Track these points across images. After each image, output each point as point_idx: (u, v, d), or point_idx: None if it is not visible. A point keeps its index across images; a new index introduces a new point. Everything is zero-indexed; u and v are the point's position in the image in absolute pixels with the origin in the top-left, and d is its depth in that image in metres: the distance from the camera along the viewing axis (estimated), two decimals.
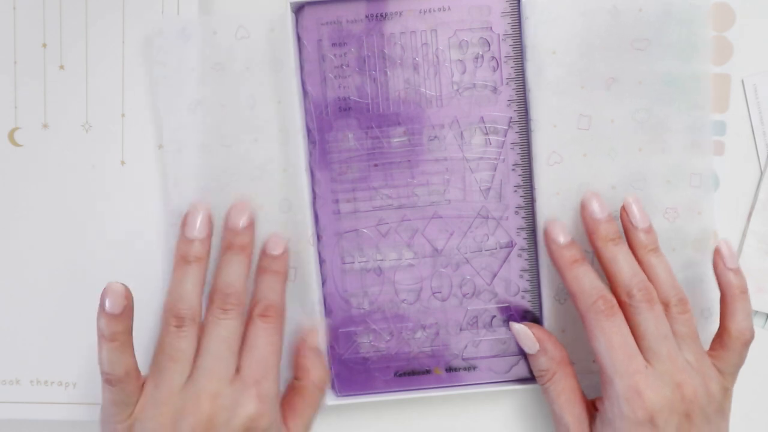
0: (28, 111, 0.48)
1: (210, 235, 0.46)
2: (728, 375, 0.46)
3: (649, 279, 0.46)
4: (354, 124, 0.48)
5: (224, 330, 0.44)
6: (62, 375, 0.48)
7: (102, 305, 0.42)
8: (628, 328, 0.45)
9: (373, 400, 0.49)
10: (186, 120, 0.48)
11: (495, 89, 0.48)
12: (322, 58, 0.48)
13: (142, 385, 0.44)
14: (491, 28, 0.47)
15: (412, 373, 0.49)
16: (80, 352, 0.48)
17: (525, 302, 0.49)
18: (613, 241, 0.46)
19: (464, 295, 0.49)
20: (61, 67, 0.48)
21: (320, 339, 0.48)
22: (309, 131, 0.48)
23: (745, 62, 0.50)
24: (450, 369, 0.49)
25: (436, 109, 0.48)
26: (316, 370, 0.47)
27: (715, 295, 0.47)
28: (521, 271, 0.49)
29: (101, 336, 0.43)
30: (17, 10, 0.48)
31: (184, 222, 0.46)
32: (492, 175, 0.48)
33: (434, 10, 0.47)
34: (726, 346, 0.47)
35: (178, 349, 0.43)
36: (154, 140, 0.48)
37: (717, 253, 0.47)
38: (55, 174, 0.48)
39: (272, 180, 0.48)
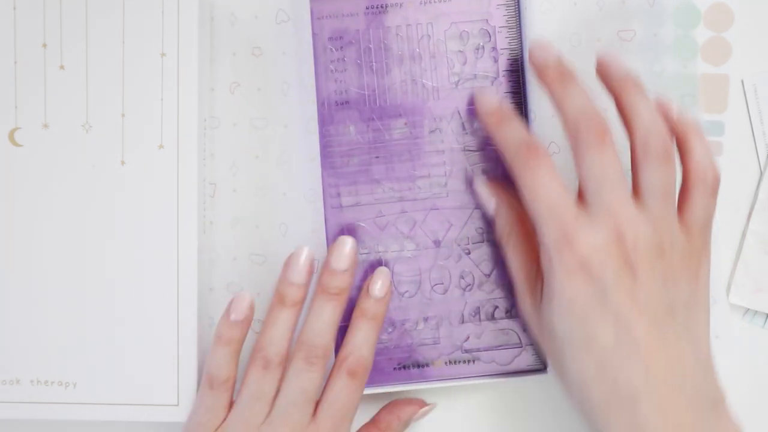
0: (28, 111, 0.48)
1: (309, 282, 0.45)
2: (695, 230, 0.40)
3: (626, 119, 0.41)
4: (355, 116, 0.48)
5: (306, 382, 0.44)
6: (62, 375, 0.48)
7: (227, 311, 0.45)
8: (559, 176, 0.40)
9: (374, 392, 0.49)
10: (226, 100, 0.49)
11: (496, 80, 0.48)
12: (322, 50, 0.48)
13: (231, 405, 0.45)
14: (491, 18, 0.48)
15: (413, 365, 0.49)
16: (80, 352, 0.48)
17: None
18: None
19: (465, 287, 0.49)
20: (61, 67, 0.48)
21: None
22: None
23: (744, 62, 0.50)
24: (452, 361, 0.49)
25: (437, 100, 0.48)
26: None
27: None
28: None
29: (218, 338, 0.45)
30: (17, 10, 0.48)
31: (288, 263, 0.45)
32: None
33: (435, 1, 0.48)
34: (687, 191, 0.41)
35: (261, 389, 0.44)
36: (154, 140, 0.48)
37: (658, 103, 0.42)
38: (55, 174, 0.48)
39: (298, 169, 0.49)
